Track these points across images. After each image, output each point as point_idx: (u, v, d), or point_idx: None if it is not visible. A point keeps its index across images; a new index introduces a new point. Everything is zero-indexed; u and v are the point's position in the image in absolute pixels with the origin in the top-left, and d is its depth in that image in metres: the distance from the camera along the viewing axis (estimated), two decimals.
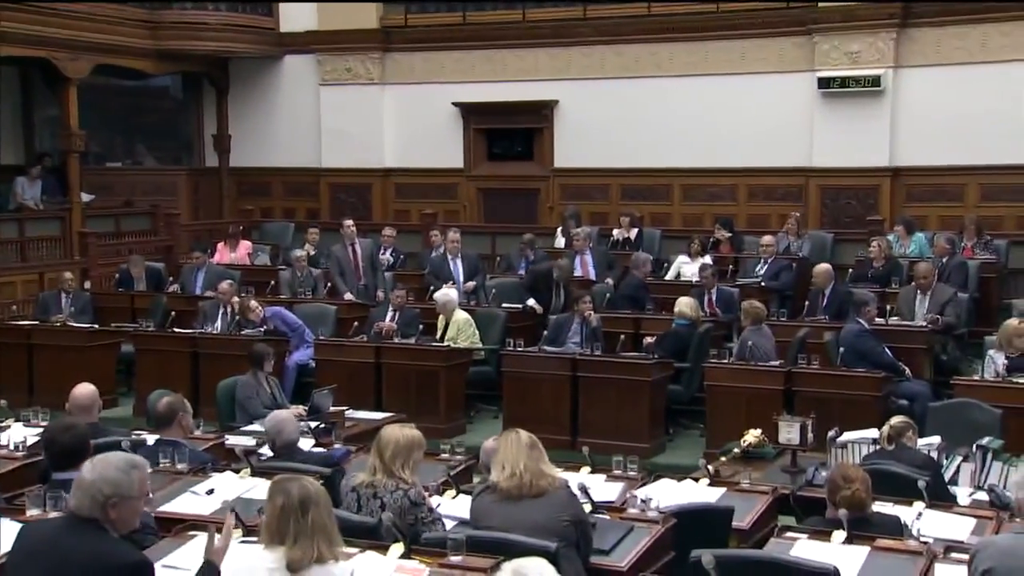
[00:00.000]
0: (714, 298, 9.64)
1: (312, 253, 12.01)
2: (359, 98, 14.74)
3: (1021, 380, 7.34)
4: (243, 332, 9.25)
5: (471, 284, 10.66)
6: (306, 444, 6.19)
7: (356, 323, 9.49)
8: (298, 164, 15.19)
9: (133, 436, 5.74)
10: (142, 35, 14.02)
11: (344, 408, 7.22)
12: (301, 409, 7.15)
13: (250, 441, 6.22)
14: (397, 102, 14.76)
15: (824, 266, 9.64)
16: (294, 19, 15.06)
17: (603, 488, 5.17)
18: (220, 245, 12.76)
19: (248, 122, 15.50)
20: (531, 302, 9.96)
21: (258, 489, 4.93)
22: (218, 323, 9.68)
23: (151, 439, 5.67)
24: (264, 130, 15.38)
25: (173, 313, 10.04)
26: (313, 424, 6.68)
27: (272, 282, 11.07)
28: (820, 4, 12.60)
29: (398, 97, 14.75)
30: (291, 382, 8.92)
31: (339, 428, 6.75)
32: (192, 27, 14.35)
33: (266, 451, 5.77)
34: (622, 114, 13.50)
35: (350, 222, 11.11)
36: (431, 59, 14.56)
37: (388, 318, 9.44)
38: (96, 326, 10.00)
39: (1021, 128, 11.73)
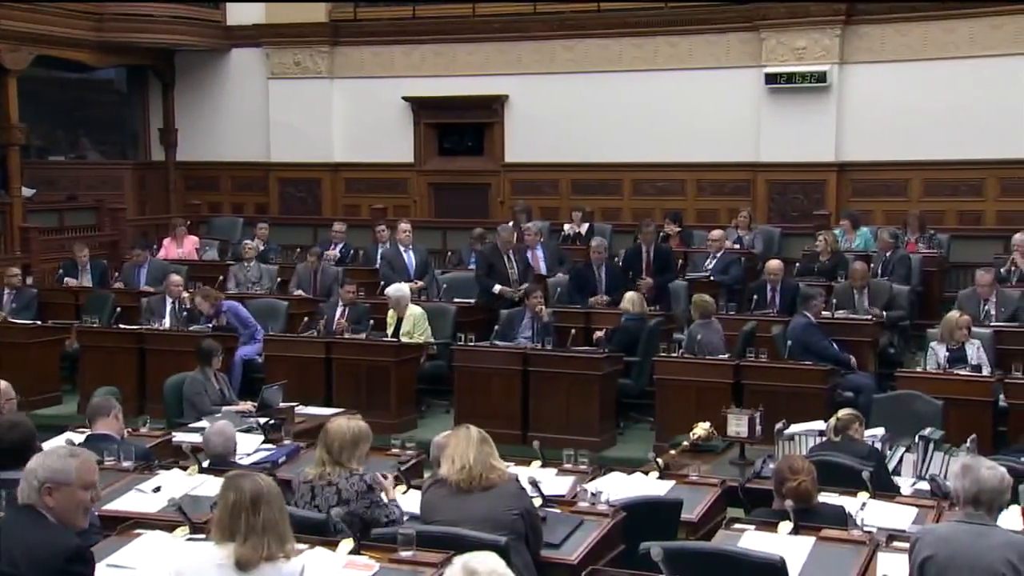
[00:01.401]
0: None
1: (262, 248, 11.90)
2: (308, 92, 14.63)
3: (962, 372, 7.50)
4: (191, 328, 9.16)
5: (420, 283, 10.56)
6: (255, 440, 6.15)
7: (306, 318, 9.43)
8: (246, 158, 15.05)
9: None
10: (85, 26, 13.76)
11: (294, 404, 7.17)
12: (250, 405, 7.12)
13: (198, 438, 6.14)
14: (346, 96, 14.67)
15: (776, 262, 9.76)
16: (241, 12, 14.90)
17: (553, 482, 5.19)
18: (166, 240, 12.61)
19: (195, 116, 15.31)
20: (498, 288, 9.80)
21: (207, 486, 4.88)
22: (166, 319, 9.56)
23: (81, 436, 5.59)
24: (211, 124, 15.20)
25: (119, 309, 9.91)
26: (262, 420, 6.63)
27: (221, 277, 10.95)
28: (766, 1, 12.72)
29: (347, 91, 14.66)
30: (237, 378, 8.84)
31: (289, 424, 6.71)
32: (136, 19, 14.11)
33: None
34: (572, 109, 13.54)
35: (317, 250, 11.06)
36: (381, 53, 14.49)
37: (338, 314, 9.39)
38: (38, 322, 9.82)
39: (962, 124, 11.95)
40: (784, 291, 9.36)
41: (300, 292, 10.54)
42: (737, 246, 11.21)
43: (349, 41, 14.62)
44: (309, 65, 14.67)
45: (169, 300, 9.65)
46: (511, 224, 11.88)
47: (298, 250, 11.95)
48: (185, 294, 9.66)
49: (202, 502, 4.63)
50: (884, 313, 8.96)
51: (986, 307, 8.80)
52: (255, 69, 14.96)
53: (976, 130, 11.91)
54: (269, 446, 6.08)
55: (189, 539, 4.17)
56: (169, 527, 4.32)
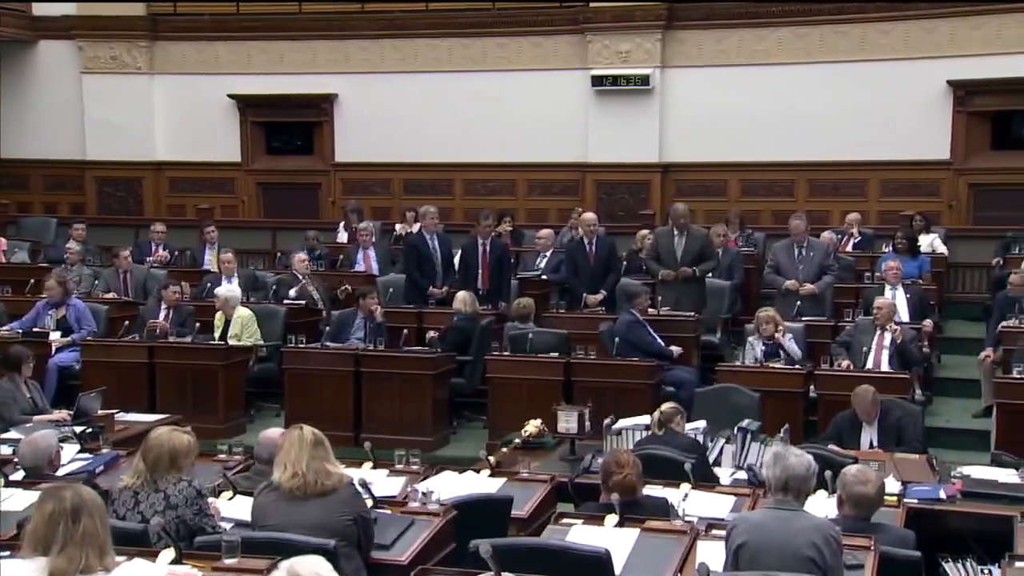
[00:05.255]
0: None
1: (78, 249, 11.35)
2: (126, 88, 14.07)
3: (776, 365, 7.87)
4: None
5: None
6: (71, 450, 5.88)
7: (127, 322, 9.08)
8: (60, 156, 14.35)
9: None
10: None
11: (114, 411, 6.91)
12: (65, 413, 6.83)
13: (6, 450, 5.84)
14: (168, 93, 14.19)
15: (591, 213, 10.13)
16: (49, 2, 14.17)
17: (385, 483, 5.17)
18: None
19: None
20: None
21: (14, 500, 4.64)
22: None
23: None
24: (18, 119, 14.41)
25: None
26: (79, 428, 6.35)
27: (32, 280, 10.36)
28: (591, 4, 13.02)
29: (169, 88, 14.19)
30: (52, 385, 8.43)
31: (108, 432, 6.44)
32: None
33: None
34: (402, 108, 13.50)
35: (126, 252, 10.56)
36: (204, 49, 14.08)
37: (161, 316, 9.08)
38: None
39: (774, 128, 12.55)
40: (599, 244, 9.60)
41: (112, 295, 10.10)
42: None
43: (170, 36, 14.14)
44: (127, 60, 14.10)
45: None
46: (344, 226, 11.78)
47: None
48: None
49: (8, 517, 4.40)
50: (695, 270, 9.23)
51: (800, 252, 9.28)
52: (67, 63, 14.26)
53: (786, 133, 12.53)
54: (86, 455, 5.84)
55: None
56: None
